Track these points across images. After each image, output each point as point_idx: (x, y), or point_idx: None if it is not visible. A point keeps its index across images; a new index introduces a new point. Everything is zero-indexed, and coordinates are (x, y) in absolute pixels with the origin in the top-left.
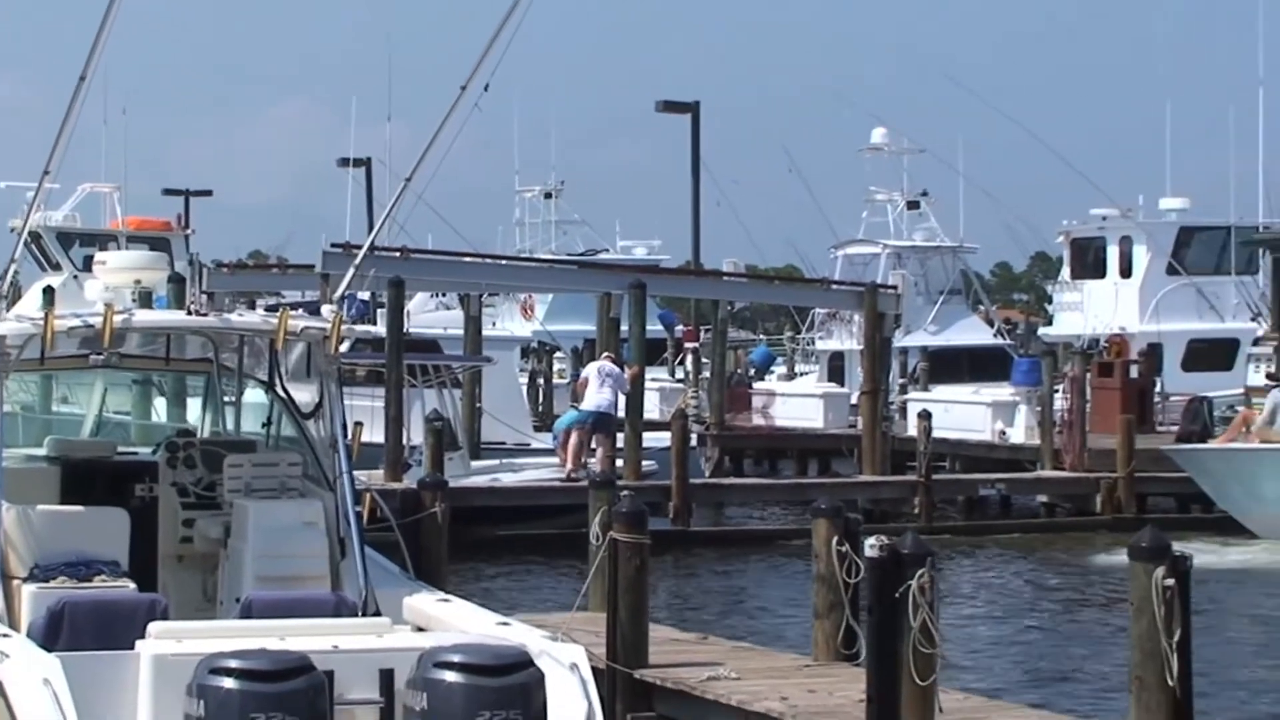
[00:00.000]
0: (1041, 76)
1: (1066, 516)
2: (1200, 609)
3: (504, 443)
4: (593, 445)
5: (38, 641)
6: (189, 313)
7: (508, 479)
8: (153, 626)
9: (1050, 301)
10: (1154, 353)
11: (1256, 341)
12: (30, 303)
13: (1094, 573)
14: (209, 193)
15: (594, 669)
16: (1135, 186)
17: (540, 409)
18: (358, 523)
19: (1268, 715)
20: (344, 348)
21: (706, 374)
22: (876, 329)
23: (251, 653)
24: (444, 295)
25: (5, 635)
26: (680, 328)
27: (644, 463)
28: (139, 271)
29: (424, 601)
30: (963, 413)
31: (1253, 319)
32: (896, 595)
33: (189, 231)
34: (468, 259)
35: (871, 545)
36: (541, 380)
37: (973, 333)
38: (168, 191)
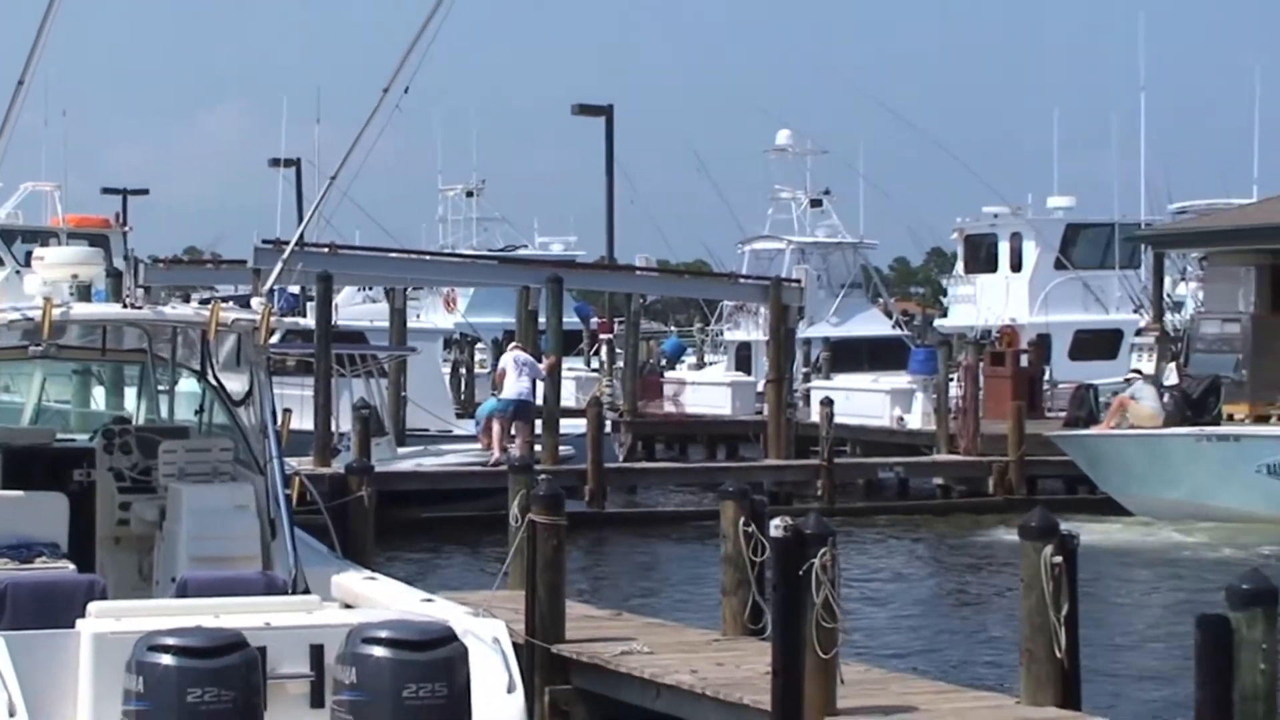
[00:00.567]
0: (938, 83)
1: (961, 498)
2: (1086, 585)
3: (428, 429)
4: (512, 432)
5: None
6: (125, 306)
7: (431, 464)
8: (92, 606)
9: (945, 295)
10: (1043, 343)
11: (1139, 332)
12: None
13: (987, 551)
14: (146, 191)
15: (514, 644)
16: (1025, 186)
17: (462, 397)
18: (287, 505)
19: (1150, 685)
20: (274, 339)
21: (620, 364)
22: (781, 321)
23: (187, 630)
24: (370, 289)
25: None
26: (595, 320)
27: (561, 448)
28: (76, 266)
29: (351, 580)
30: (863, 400)
31: (1135, 311)
32: (800, 573)
33: (127, 229)
34: (393, 254)
35: (776, 526)
36: (463, 370)
37: (872, 324)
38: (106, 190)
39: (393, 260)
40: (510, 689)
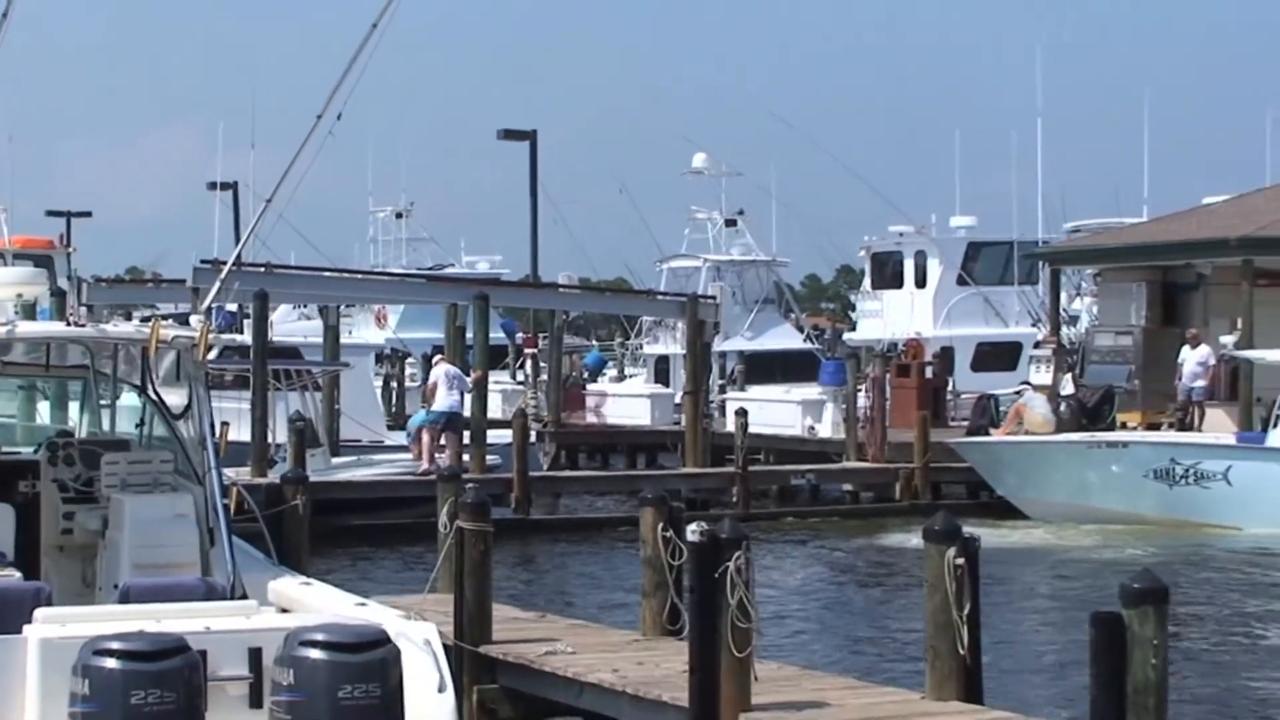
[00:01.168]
0: (845, 107)
1: (869, 503)
2: (987, 585)
3: (360, 441)
4: (441, 442)
5: None
6: (69, 324)
7: (364, 474)
8: (39, 612)
9: (854, 309)
10: (946, 355)
11: (1037, 345)
12: None
13: (893, 553)
14: (89, 214)
15: (444, 645)
16: (928, 206)
17: (393, 410)
18: (225, 514)
19: (1048, 679)
20: (212, 354)
21: (545, 377)
22: (698, 335)
23: (131, 635)
24: (305, 306)
25: None
26: (520, 335)
27: (488, 458)
28: (22, 286)
29: (288, 585)
30: (776, 410)
31: (1033, 324)
32: (715, 575)
33: (71, 249)
34: (326, 273)
35: (693, 531)
36: (394, 384)
37: (785, 338)
38: (51, 213)
39: (326, 279)
40: (441, 689)
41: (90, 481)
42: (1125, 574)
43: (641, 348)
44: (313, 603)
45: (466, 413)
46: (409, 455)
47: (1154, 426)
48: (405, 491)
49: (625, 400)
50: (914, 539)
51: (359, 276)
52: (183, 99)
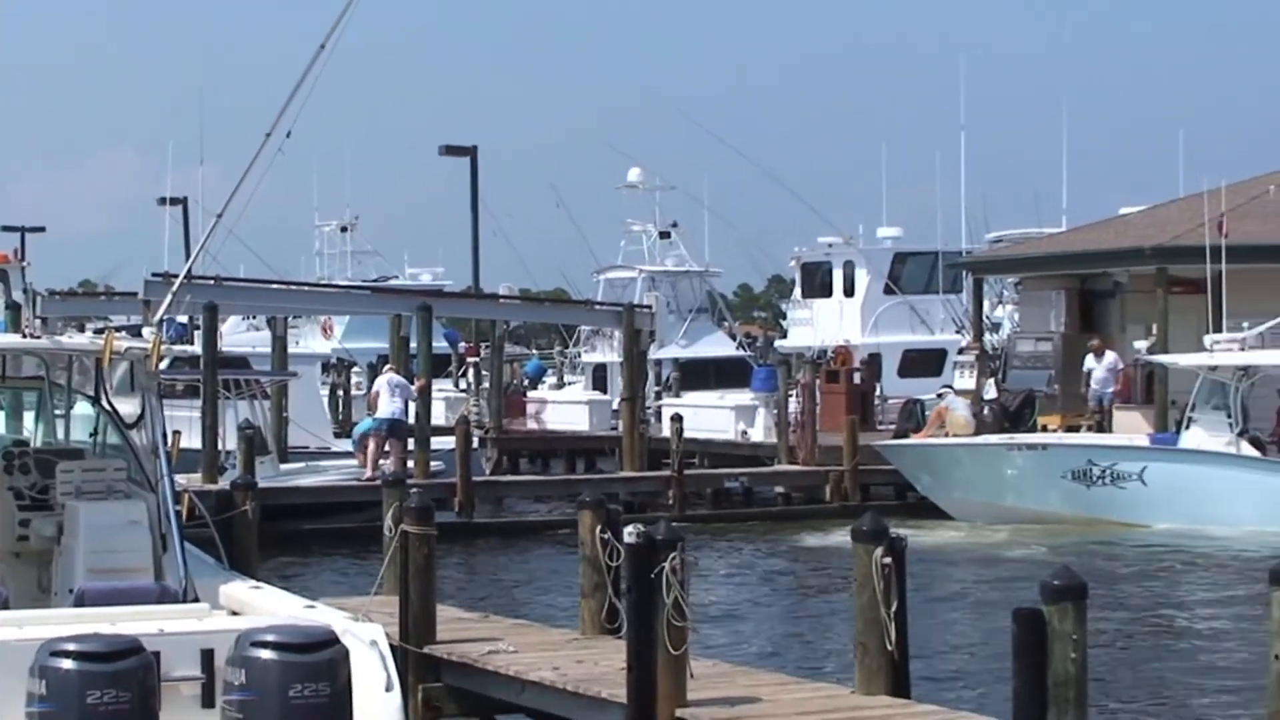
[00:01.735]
0: (777, 122)
1: (800, 505)
2: (914, 583)
3: (308, 447)
4: (386, 449)
5: None
6: (24, 336)
7: (311, 480)
8: None
9: (785, 318)
10: (874, 361)
11: (961, 351)
12: None
13: (824, 553)
14: (43, 229)
15: (390, 645)
16: (856, 217)
17: (340, 418)
18: (177, 520)
19: (972, 673)
20: (163, 365)
21: (486, 385)
22: (634, 343)
23: (86, 637)
24: (253, 318)
25: None
26: (463, 344)
27: (432, 463)
28: None
29: (238, 589)
30: (710, 416)
31: (957, 331)
32: (652, 576)
33: (25, 264)
34: (274, 286)
35: (630, 532)
36: (341, 392)
37: (718, 346)
38: (5, 228)
39: (274, 291)
40: (388, 688)
41: (46, 489)
42: (1045, 571)
43: (580, 356)
44: (263, 605)
45: (410, 420)
46: (355, 461)
47: (1073, 429)
48: (351, 497)
49: (564, 407)
50: (843, 539)
51: (306, 289)
52: (133, 118)
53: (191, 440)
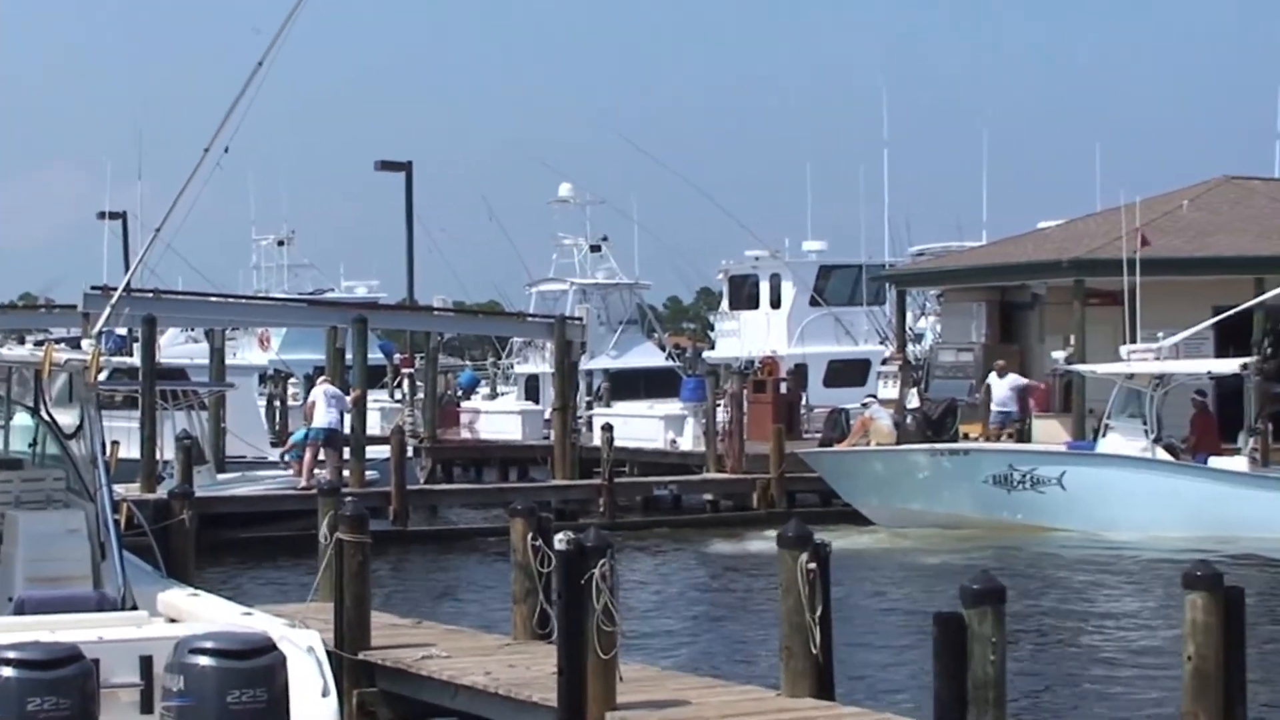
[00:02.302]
0: (705, 138)
1: (728, 512)
2: (838, 587)
3: (245, 457)
4: (322, 458)
5: None
6: None
7: (248, 489)
8: None
9: (713, 329)
10: (800, 372)
11: (884, 361)
12: None
13: (751, 559)
14: None
15: (326, 651)
16: (782, 231)
17: (277, 428)
18: (116, 529)
19: (895, 675)
20: (102, 376)
21: (421, 395)
22: (566, 354)
23: (26, 644)
24: (192, 330)
25: None
26: (397, 356)
27: (367, 472)
28: None
29: (176, 596)
30: (640, 425)
31: (881, 342)
32: (582, 582)
33: None
34: (212, 299)
35: (560, 539)
36: (278, 403)
37: (648, 357)
38: None
39: (212, 304)
40: (325, 693)
41: None
42: (966, 576)
43: (513, 367)
44: (200, 612)
45: (346, 430)
46: (291, 471)
47: (994, 437)
48: (287, 505)
49: (497, 417)
50: (770, 545)
51: (243, 301)
52: (74, 134)
53: (130, 450)
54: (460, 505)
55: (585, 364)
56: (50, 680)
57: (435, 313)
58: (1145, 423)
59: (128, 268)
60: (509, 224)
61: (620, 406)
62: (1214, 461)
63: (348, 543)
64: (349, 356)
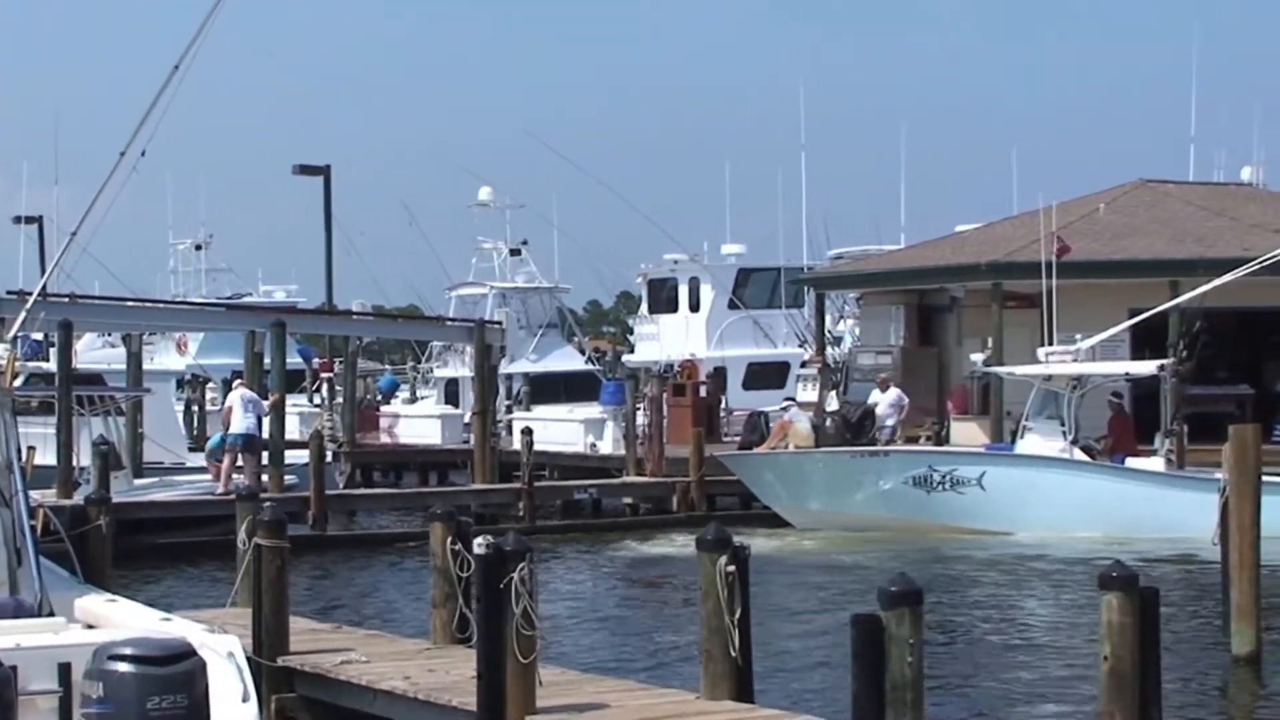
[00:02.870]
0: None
1: (648, 515)
2: (757, 590)
3: (162, 463)
4: (240, 463)
5: None
6: None
7: (166, 494)
8: None
9: (632, 333)
10: (719, 375)
11: (804, 364)
12: None
13: (671, 562)
14: None
15: (246, 656)
16: (701, 234)
17: (195, 433)
18: (32, 535)
19: (814, 677)
20: (18, 382)
21: (340, 399)
22: (485, 358)
23: None
24: (109, 335)
25: None
26: (316, 360)
27: (286, 477)
28: None
29: (94, 602)
30: (560, 429)
31: (800, 345)
32: (501, 586)
33: None
34: (129, 303)
35: (479, 544)
36: (195, 408)
37: (568, 360)
38: None
39: (129, 309)
40: (245, 698)
41: None
42: (884, 577)
43: (432, 371)
44: (119, 618)
45: (264, 435)
46: (209, 476)
47: (913, 439)
48: (206, 510)
49: (417, 421)
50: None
51: (160, 306)
52: None
53: (46, 456)
54: (379, 510)
55: (505, 368)
56: None
57: (354, 317)
58: (1063, 424)
59: (43, 272)
60: (429, 228)
61: (540, 410)
62: (1131, 462)
63: (266, 548)
64: (267, 361)
